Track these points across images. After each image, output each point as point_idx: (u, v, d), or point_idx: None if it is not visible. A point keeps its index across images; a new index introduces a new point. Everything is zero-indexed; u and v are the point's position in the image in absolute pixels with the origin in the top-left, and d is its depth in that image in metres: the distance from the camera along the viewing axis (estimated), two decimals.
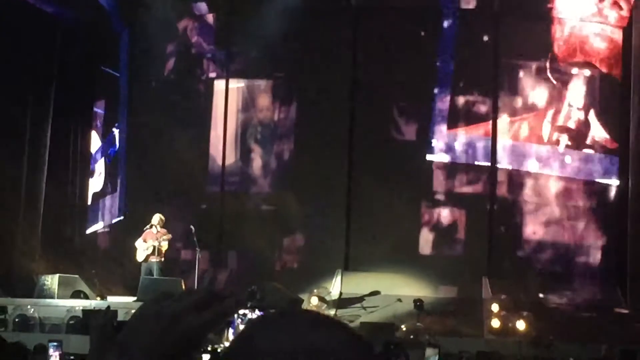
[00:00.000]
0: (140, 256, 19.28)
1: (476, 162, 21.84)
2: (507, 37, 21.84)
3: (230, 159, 23.19)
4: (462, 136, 21.94)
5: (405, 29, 21.64)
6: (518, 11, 21.67)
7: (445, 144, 21.94)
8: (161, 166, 22.50)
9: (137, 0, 23.03)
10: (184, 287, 18.71)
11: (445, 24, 22.10)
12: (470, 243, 21.51)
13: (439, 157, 21.94)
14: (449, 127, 21.94)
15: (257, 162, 23.10)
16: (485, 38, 22.00)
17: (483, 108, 21.99)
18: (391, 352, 13.36)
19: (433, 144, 21.93)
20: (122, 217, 23.91)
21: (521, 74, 21.97)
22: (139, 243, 19.28)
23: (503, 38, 21.87)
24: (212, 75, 23.68)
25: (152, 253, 19.16)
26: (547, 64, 21.76)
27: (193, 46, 23.73)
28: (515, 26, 21.79)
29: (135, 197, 23.04)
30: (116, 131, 25.01)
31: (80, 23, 23.06)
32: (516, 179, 21.78)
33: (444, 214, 21.80)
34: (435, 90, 22.06)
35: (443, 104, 22.03)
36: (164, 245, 19.24)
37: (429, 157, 21.91)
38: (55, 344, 14.47)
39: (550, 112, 21.82)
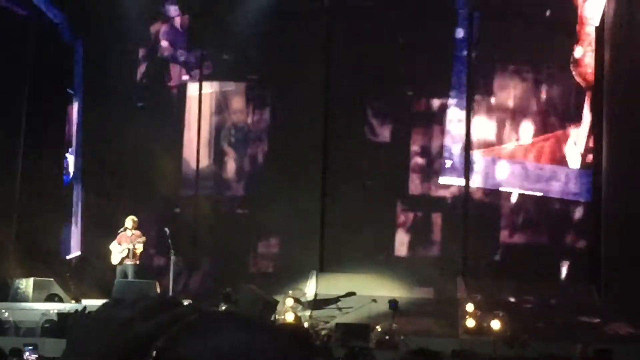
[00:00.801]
0: (115, 259, 19.22)
1: (449, 165, 21.89)
2: (494, 39, 21.80)
3: (204, 162, 23.10)
4: (437, 139, 21.97)
5: (379, 29, 21.59)
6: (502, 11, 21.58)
7: (421, 147, 21.97)
8: (132, 175, 22.27)
9: (101, 5, 22.57)
10: (158, 289, 18.70)
11: (424, 24, 21.87)
12: (445, 244, 21.57)
13: (414, 159, 21.98)
14: (425, 130, 21.99)
15: (231, 166, 23.05)
16: (461, 35, 21.97)
17: (456, 110, 22.02)
18: (356, 354, 13.46)
19: (408, 146, 21.95)
20: (79, 253, 22.82)
21: (501, 74, 22.06)
22: (113, 246, 19.23)
23: (493, 41, 21.84)
24: (185, 78, 23.54)
25: (127, 256, 19.10)
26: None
27: (164, 50, 23.59)
28: (503, 28, 21.64)
29: (95, 228, 21.64)
30: (70, 157, 23.47)
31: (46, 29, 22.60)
32: (492, 187, 21.86)
33: (420, 216, 21.84)
34: (410, 92, 22.10)
35: (419, 105, 22.07)
36: (139, 248, 19.19)
37: (404, 158, 21.93)
38: (31, 347, 14.43)
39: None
